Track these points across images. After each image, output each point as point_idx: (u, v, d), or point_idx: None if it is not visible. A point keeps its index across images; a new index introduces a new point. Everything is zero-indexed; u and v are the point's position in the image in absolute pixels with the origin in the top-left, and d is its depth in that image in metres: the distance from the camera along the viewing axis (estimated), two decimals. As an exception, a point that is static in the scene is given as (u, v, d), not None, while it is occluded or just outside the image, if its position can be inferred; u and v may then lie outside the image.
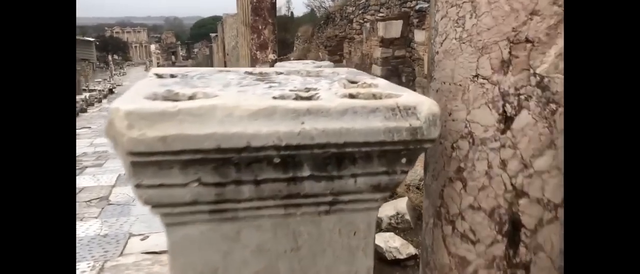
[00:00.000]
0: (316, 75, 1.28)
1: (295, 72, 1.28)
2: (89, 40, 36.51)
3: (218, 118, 0.78)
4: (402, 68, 8.05)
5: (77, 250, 3.48)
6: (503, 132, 0.95)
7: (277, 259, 0.95)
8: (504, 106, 0.94)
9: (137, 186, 0.80)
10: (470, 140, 0.99)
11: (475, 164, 1.00)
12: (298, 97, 0.93)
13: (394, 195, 3.63)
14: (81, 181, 5.42)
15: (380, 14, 7.98)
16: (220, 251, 0.92)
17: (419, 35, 7.25)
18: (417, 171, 3.83)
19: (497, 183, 0.98)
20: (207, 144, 0.78)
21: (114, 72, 35.22)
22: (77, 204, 4.54)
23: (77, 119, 12.54)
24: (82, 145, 8.02)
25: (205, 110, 0.78)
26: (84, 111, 14.54)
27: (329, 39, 10.77)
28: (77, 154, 6.74)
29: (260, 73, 1.26)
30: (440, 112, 0.87)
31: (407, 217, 3.26)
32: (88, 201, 4.79)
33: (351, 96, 0.95)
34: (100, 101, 19.56)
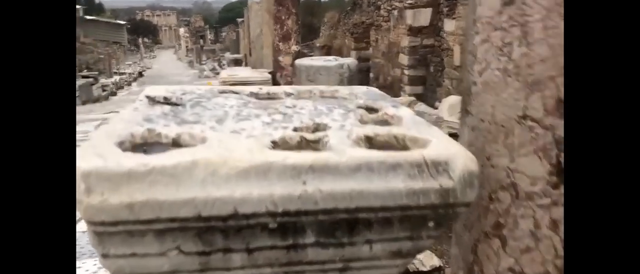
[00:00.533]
0: (331, 96, 1.11)
1: (307, 94, 1.12)
2: (121, 24, 37.00)
3: (199, 179, 0.63)
4: (430, 58, 7.75)
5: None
6: (555, 187, 0.77)
7: (276, 330, 0.80)
8: (558, 155, 0.75)
9: (104, 256, 0.66)
10: (513, 192, 0.82)
11: (519, 222, 0.82)
12: (302, 142, 0.77)
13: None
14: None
15: (409, 1, 7.67)
16: (208, 322, 0.78)
17: (449, 25, 6.92)
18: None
19: (546, 247, 0.80)
20: (184, 211, 0.63)
21: (144, 55, 35.69)
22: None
23: (107, 102, 12.71)
24: (108, 132, 8.05)
25: (182, 169, 0.63)
26: (114, 94, 14.73)
27: (355, 26, 10.48)
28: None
29: (268, 94, 1.10)
30: (479, 168, 0.70)
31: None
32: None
33: (368, 139, 0.78)
34: (130, 84, 19.83)
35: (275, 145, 0.74)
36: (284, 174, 0.65)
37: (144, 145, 0.75)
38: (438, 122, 3.64)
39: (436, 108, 6.81)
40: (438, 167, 0.69)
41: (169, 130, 0.77)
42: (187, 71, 22.67)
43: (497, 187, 0.83)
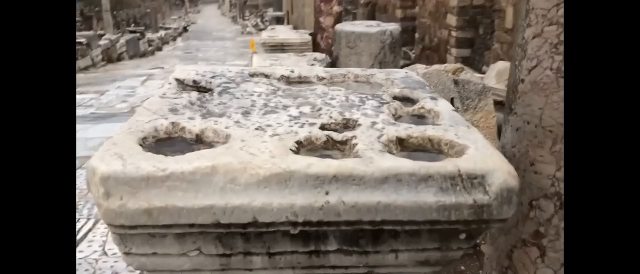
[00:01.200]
0: (366, 81, 1.06)
1: (340, 78, 1.06)
2: (166, -23, 37.23)
3: (218, 186, 0.61)
4: (480, 19, 7.35)
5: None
6: (606, 201, 0.70)
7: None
8: (611, 168, 0.68)
9: (126, 254, 0.67)
10: (557, 203, 0.75)
11: (561, 234, 0.76)
12: (329, 142, 0.73)
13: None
14: (149, 127, 5.58)
15: (461, -43, 7.22)
16: (230, 317, 0.78)
17: (503, -17, 6.49)
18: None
19: (589, 264, 0.73)
20: (202, 218, 0.61)
21: (188, 10, 35.97)
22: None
23: (152, 57, 13.00)
24: (154, 87, 8.23)
25: (201, 175, 0.61)
26: (159, 49, 15.03)
27: (402, -17, 10.03)
28: (147, 97, 6.95)
29: (299, 78, 1.06)
30: (519, 184, 0.64)
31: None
32: (154, 149, 4.92)
33: (400, 141, 0.73)
34: (175, 39, 20.13)
35: (300, 146, 0.71)
36: (306, 183, 0.61)
37: (167, 140, 0.73)
38: (484, 91, 3.47)
39: (483, 73, 6.52)
40: (473, 180, 0.63)
41: (193, 124, 0.75)
42: (230, 26, 22.71)
43: (540, 195, 0.77)
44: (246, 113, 0.81)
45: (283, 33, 4.62)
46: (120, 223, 0.60)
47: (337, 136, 0.73)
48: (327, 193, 0.61)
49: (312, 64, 2.65)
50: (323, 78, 1.05)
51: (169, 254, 0.66)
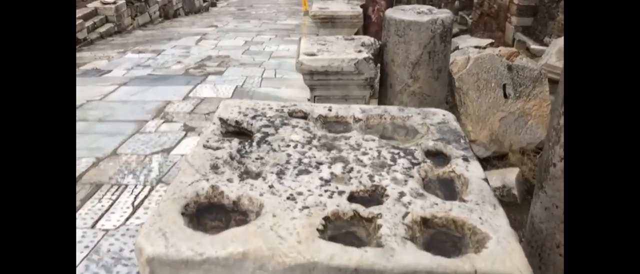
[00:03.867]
0: (402, 125, 1.07)
1: (376, 120, 1.08)
2: None
3: (248, 271, 0.67)
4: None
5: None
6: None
7: None
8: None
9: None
10: None
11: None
12: (356, 217, 0.76)
13: (505, 161, 3.29)
14: (202, 91, 5.77)
15: None
16: None
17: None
18: (537, 133, 3.39)
19: None
20: (234, 298, 0.68)
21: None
22: (195, 115, 4.88)
23: (207, 14, 13.20)
24: (207, 47, 8.42)
25: (233, 260, 0.67)
26: (214, 5, 15.18)
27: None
28: (201, 58, 7.13)
29: (336, 117, 1.09)
30: (535, 289, 0.65)
31: (515, 192, 2.95)
32: (206, 113, 5.12)
33: (424, 222, 0.76)
34: (228, -6, 20.19)
35: (327, 221, 0.75)
36: (328, 274, 0.66)
37: (207, 205, 0.80)
38: (540, 77, 3.31)
39: (545, 45, 6.16)
40: (489, 281, 0.65)
41: (231, 190, 0.81)
42: (283, -19, 22.43)
43: (563, 276, 0.78)
44: (280, 173, 0.86)
45: (334, 5, 4.54)
46: (163, 297, 0.68)
47: (363, 212, 0.77)
48: (347, 284, 0.66)
49: (360, 50, 2.63)
50: (359, 119, 1.07)
51: (206, 315, 0.74)
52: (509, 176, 2.99)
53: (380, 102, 3.15)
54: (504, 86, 3.23)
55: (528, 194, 3.12)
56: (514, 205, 2.98)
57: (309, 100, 3.84)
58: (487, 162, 3.33)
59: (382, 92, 3.11)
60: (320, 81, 2.78)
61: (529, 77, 3.24)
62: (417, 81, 2.59)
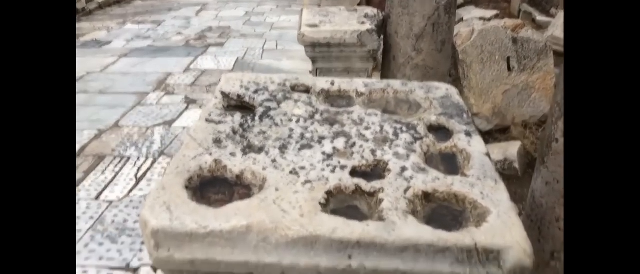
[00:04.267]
0: (405, 99, 1.07)
1: (379, 94, 1.08)
2: None
3: (252, 244, 0.68)
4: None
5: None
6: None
7: None
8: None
9: (174, 283, 0.77)
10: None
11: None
12: (358, 191, 0.77)
13: (507, 134, 3.29)
14: (203, 63, 5.74)
15: None
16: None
17: None
18: (540, 106, 3.38)
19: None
20: (238, 270, 0.69)
21: None
22: (196, 87, 4.86)
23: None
24: (208, 18, 8.32)
25: (237, 233, 0.68)
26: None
27: None
28: (201, 30, 7.05)
29: (339, 91, 1.08)
30: (532, 263, 0.66)
31: (516, 165, 2.96)
32: (208, 86, 5.10)
33: (425, 195, 0.77)
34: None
35: (329, 195, 0.76)
36: (331, 247, 0.67)
37: (211, 179, 0.80)
38: (545, 50, 3.27)
39: (552, 16, 6.07)
40: (489, 255, 0.66)
41: (234, 164, 0.81)
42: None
43: (562, 249, 0.79)
44: (283, 148, 0.86)
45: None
46: (168, 268, 0.70)
47: (365, 186, 0.77)
48: (350, 257, 0.67)
49: (363, 22, 2.60)
50: (362, 94, 1.07)
51: (210, 285, 0.76)
52: (511, 149, 3.00)
53: (383, 75, 3.13)
54: (508, 59, 3.20)
55: (529, 167, 3.14)
56: (515, 178, 3.00)
57: (310, 72, 3.81)
58: (489, 136, 3.33)
59: (385, 65, 3.08)
60: (322, 53, 2.76)
61: (534, 49, 3.20)
62: (420, 53, 2.56)
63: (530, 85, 3.27)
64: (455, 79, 3.25)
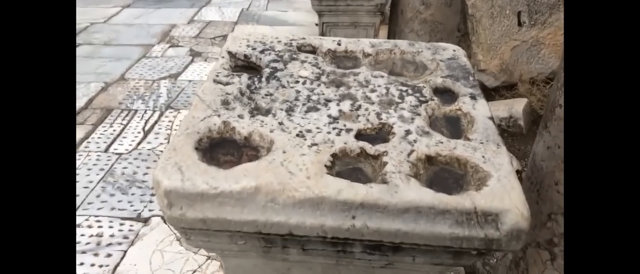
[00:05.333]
0: (412, 60, 1.07)
1: (386, 54, 1.08)
2: None
3: (260, 204, 0.71)
4: None
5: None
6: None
7: (327, 292, 0.95)
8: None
9: (187, 240, 0.81)
10: (573, 224, 0.80)
11: (572, 249, 0.82)
12: (362, 154, 0.79)
13: (514, 91, 3.27)
14: (207, 14, 5.65)
15: None
16: (272, 278, 0.94)
17: None
18: (549, 63, 3.34)
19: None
20: (247, 228, 0.73)
21: None
22: (201, 39, 4.81)
23: None
24: (211, -34, 8.09)
25: (247, 194, 0.71)
26: None
27: None
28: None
29: (345, 52, 1.08)
30: (529, 225, 0.69)
31: (521, 122, 2.97)
32: (212, 38, 5.05)
33: (428, 159, 0.79)
34: None
35: (335, 158, 0.78)
36: (335, 208, 0.70)
37: (220, 140, 0.83)
38: (558, 4, 3.18)
39: (565, -33, 5.84)
40: (487, 217, 0.69)
41: (242, 126, 0.83)
42: None
43: (558, 212, 0.82)
44: (290, 110, 0.87)
45: None
46: (181, 226, 0.73)
47: (370, 149, 0.79)
48: (353, 217, 0.70)
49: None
50: (369, 54, 1.07)
51: (221, 242, 0.80)
52: (517, 106, 2.99)
53: (390, 30, 3.08)
54: (519, 13, 3.13)
55: (534, 124, 3.14)
56: (519, 135, 3.01)
57: (316, 25, 3.74)
58: (495, 92, 3.32)
59: (392, 20, 3.03)
60: (329, 6, 2.71)
61: (546, 3, 3.12)
62: (428, 7, 2.52)
63: (540, 41, 3.22)
64: (464, 34, 3.20)
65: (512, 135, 3.01)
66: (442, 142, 0.81)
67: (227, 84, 0.94)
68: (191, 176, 0.72)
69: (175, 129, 3.01)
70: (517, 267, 0.97)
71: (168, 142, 2.90)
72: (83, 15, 5.01)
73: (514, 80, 3.27)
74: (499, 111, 3.00)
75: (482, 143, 0.81)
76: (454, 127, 0.87)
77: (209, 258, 2.04)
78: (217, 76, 0.97)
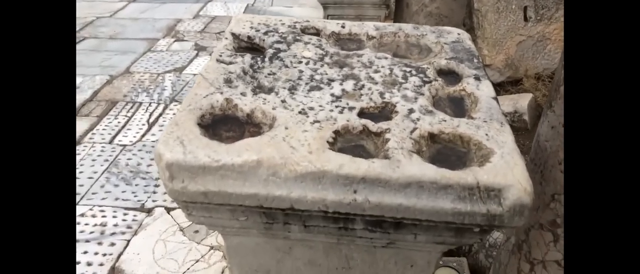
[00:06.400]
0: (416, 44, 1.06)
1: (390, 38, 1.07)
2: None
3: (262, 178, 0.71)
4: None
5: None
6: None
7: (328, 272, 0.95)
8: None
9: (188, 215, 0.81)
10: (577, 203, 0.80)
11: (575, 230, 0.81)
12: (365, 131, 0.79)
13: (519, 86, 3.25)
14: (213, 9, 5.66)
15: None
16: (274, 258, 0.94)
17: None
18: (554, 58, 3.32)
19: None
20: (248, 202, 0.72)
21: None
22: (206, 34, 4.82)
23: None
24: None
25: (248, 167, 0.71)
26: None
27: None
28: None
29: (349, 34, 1.08)
30: (532, 200, 0.69)
31: (526, 117, 2.95)
32: (218, 33, 5.06)
33: (431, 136, 0.78)
34: None
35: (337, 135, 0.78)
36: (337, 182, 0.70)
37: (222, 117, 0.83)
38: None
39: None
40: (490, 193, 0.69)
41: (245, 103, 0.83)
42: None
43: (562, 192, 0.82)
44: (292, 89, 0.87)
45: None
46: (182, 199, 0.73)
47: (372, 127, 0.79)
48: (355, 192, 0.70)
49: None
50: (373, 37, 1.07)
51: (222, 218, 0.80)
52: (522, 101, 2.98)
53: (395, 23, 3.07)
54: (525, 8, 3.11)
55: (539, 119, 3.12)
56: (524, 130, 3.00)
57: (321, 20, 3.74)
58: (500, 87, 3.30)
59: (397, 13, 3.02)
60: (333, -1, 2.70)
61: (552, -1, 3.11)
62: (434, 0, 2.51)
63: (546, 36, 3.20)
64: (469, 29, 3.19)
65: (516, 130, 3.00)
66: (445, 121, 0.80)
67: (230, 63, 0.94)
68: (193, 150, 0.72)
69: (180, 122, 3.02)
70: (520, 250, 0.97)
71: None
72: (89, 10, 5.04)
73: (519, 75, 3.25)
74: (503, 106, 2.99)
75: (485, 121, 0.80)
76: (458, 106, 0.87)
77: (211, 248, 2.04)
78: (221, 55, 0.97)
